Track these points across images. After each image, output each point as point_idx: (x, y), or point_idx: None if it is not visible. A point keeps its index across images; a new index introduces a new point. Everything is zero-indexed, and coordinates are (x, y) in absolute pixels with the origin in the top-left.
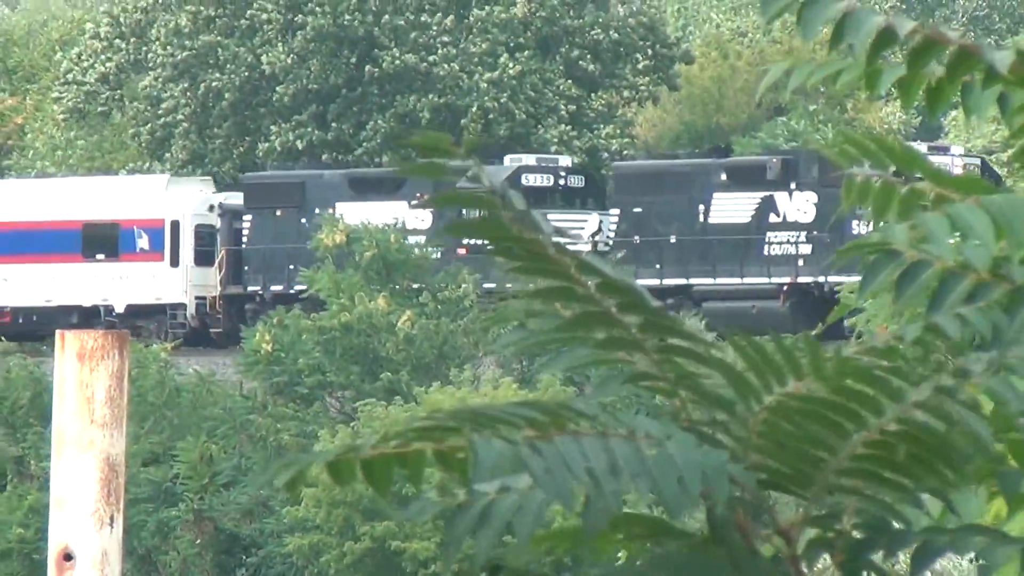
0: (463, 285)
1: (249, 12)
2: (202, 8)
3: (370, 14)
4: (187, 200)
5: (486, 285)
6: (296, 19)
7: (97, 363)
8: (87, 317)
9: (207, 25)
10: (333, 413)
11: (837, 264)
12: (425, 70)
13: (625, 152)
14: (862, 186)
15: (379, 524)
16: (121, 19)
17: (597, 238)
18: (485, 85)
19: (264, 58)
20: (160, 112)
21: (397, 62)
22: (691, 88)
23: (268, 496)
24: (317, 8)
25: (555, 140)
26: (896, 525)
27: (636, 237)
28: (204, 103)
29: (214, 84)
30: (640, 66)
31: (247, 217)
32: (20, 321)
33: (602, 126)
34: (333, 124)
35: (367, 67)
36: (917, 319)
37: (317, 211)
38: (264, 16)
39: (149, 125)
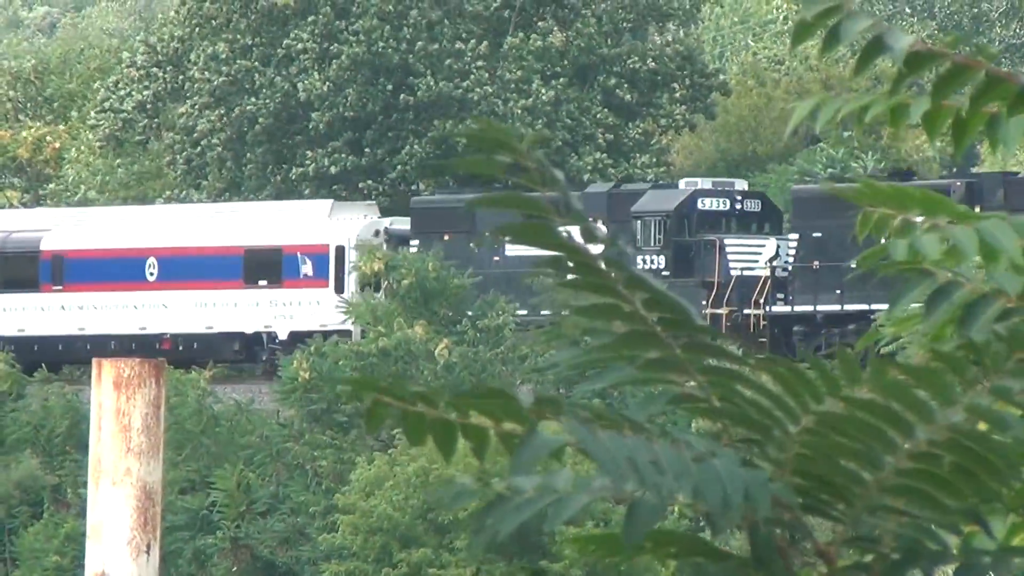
0: (503, 314)
1: (285, 41)
2: (239, 37)
3: (404, 42)
4: (351, 225)
5: (519, 312)
6: (332, 48)
7: (134, 391)
8: (249, 344)
9: (244, 53)
10: (370, 440)
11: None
12: (460, 96)
13: (660, 180)
14: (879, 219)
15: (416, 551)
16: (158, 48)
17: (775, 263)
18: (520, 111)
19: (300, 85)
20: (195, 136)
21: (432, 89)
22: (727, 116)
23: (304, 524)
24: (351, 38)
25: (589, 168)
26: (932, 547)
27: (816, 262)
28: (239, 129)
29: (248, 108)
30: (677, 95)
31: (414, 242)
32: (180, 348)
33: (638, 155)
34: (367, 150)
35: (402, 95)
36: (946, 341)
37: (487, 234)
38: (300, 45)
39: (185, 153)
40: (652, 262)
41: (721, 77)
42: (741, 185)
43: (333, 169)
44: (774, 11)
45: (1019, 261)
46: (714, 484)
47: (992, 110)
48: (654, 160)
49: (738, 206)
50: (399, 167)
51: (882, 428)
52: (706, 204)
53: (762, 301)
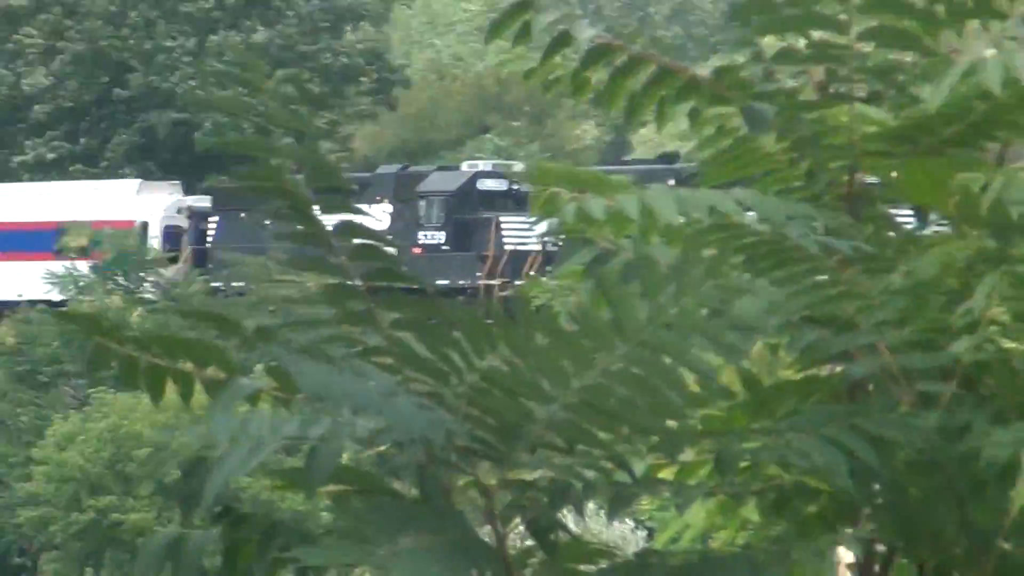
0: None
1: (15, 36)
2: None
3: (124, 40)
4: (157, 203)
5: (213, 284)
6: (58, 44)
7: None
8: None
9: None
10: (68, 399)
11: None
12: (168, 89)
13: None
14: (550, 197)
15: (103, 498)
16: None
17: (547, 239)
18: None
19: (25, 80)
20: None
21: (143, 83)
22: (409, 108)
23: (5, 473)
24: (76, 34)
25: None
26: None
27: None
28: None
29: None
30: (364, 88)
31: (214, 219)
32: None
33: (323, 142)
34: (82, 140)
35: (115, 88)
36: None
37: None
38: (28, 41)
39: None
40: (434, 238)
41: (405, 72)
42: (519, 167)
43: (50, 156)
44: (460, 12)
45: (677, 228)
46: (402, 420)
47: (662, 93)
48: (337, 147)
49: (515, 187)
50: (110, 156)
51: (545, 375)
52: (486, 184)
53: (532, 273)
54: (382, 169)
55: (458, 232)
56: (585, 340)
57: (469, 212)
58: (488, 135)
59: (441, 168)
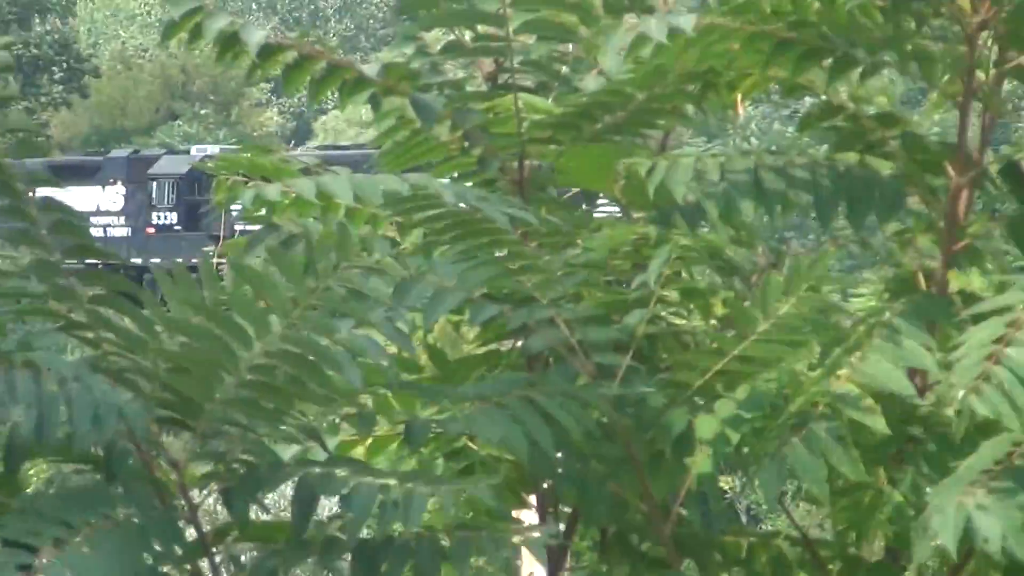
0: None
1: None
2: None
3: None
4: None
5: None
6: None
7: None
8: None
9: None
10: None
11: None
12: None
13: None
14: (232, 185)
15: None
16: None
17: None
18: None
19: None
20: None
21: None
22: (100, 96)
23: None
24: None
25: None
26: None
27: None
28: None
29: None
30: (56, 77)
31: None
32: None
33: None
34: None
35: None
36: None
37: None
38: None
39: None
40: (167, 218)
41: (94, 62)
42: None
43: None
44: (141, 6)
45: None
46: (78, 405)
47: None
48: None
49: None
50: None
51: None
52: None
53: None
54: (114, 153)
55: (189, 213)
56: (243, 319)
57: (199, 194)
58: (177, 122)
59: (170, 152)
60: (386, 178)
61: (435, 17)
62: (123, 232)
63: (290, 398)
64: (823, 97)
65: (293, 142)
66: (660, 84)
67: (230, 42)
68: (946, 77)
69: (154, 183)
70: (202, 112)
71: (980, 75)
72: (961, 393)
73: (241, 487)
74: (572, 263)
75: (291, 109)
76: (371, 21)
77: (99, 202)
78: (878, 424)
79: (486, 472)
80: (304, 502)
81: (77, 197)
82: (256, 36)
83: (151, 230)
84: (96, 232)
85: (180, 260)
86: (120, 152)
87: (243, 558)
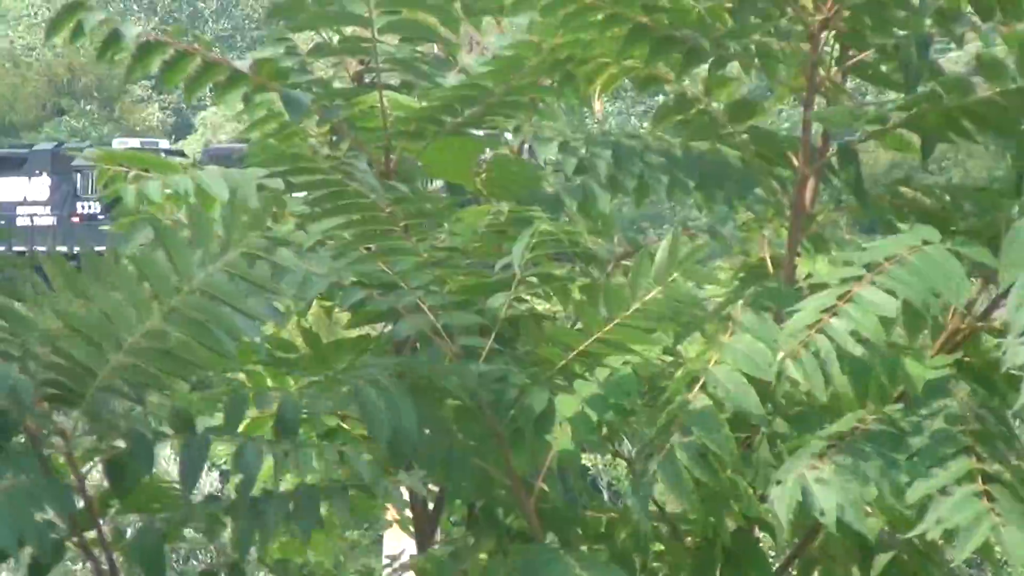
0: None
1: None
2: None
3: None
4: None
5: None
6: None
7: None
8: None
9: None
10: None
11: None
12: None
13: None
14: (114, 176)
15: None
16: None
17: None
18: None
19: None
20: None
21: None
22: None
23: None
24: None
25: None
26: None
27: None
28: None
29: None
30: None
31: None
32: None
33: None
34: None
35: None
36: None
37: None
38: None
39: None
40: (92, 208)
41: None
42: (165, 144)
43: None
44: (28, 7)
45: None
46: None
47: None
48: None
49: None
50: None
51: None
52: None
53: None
54: (39, 146)
55: (112, 203)
56: (147, 285)
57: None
58: (64, 117)
59: (92, 146)
60: (261, 173)
61: (305, 19)
62: (50, 221)
63: (181, 364)
64: (677, 90)
65: (174, 136)
66: (516, 76)
67: (111, 39)
68: (790, 72)
69: (79, 174)
70: (87, 108)
71: (823, 71)
72: (780, 356)
73: (124, 455)
74: (438, 247)
75: (171, 105)
76: (247, 22)
77: (26, 193)
78: (751, 403)
79: (360, 450)
80: (193, 461)
81: (4, 187)
82: (133, 32)
83: (76, 219)
84: (24, 221)
85: (103, 248)
86: (45, 145)
87: (128, 531)
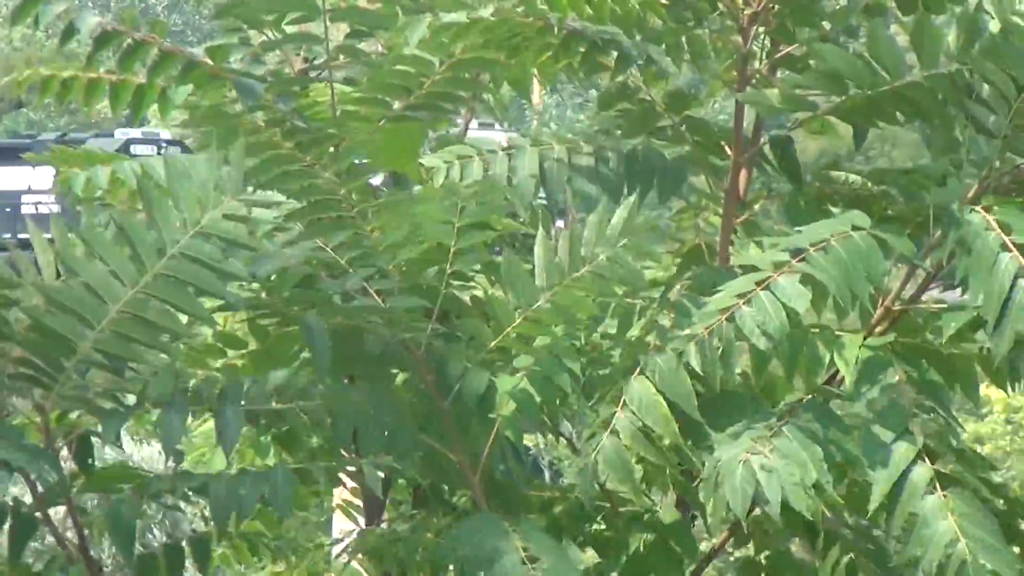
0: None
1: None
2: None
3: None
4: None
5: None
6: None
7: None
8: None
9: None
10: None
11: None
12: None
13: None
14: (68, 175)
15: None
16: None
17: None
18: None
19: None
20: None
21: None
22: None
23: None
24: None
25: None
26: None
27: None
28: None
29: None
30: None
31: None
32: None
33: None
34: None
35: None
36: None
37: None
38: None
39: None
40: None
41: None
42: (166, 135)
43: None
44: None
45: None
46: None
47: (164, 84)
48: None
49: (162, 151)
50: None
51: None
52: (137, 150)
53: None
54: (43, 136)
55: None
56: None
57: None
58: (24, 109)
59: (97, 135)
60: (205, 158)
61: (256, 6)
62: (55, 208)
63: (156, 331)
64: (619, 78)
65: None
66: (461, 51)
67: (71, 30)
68: (723, 65)
69: None
70: (46, 101)
71: (754, 65)
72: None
73: (89, 434)
74: (389, 237)
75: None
76: (198, 18)
77: (31, 181)
78: (683, 394)
79: (307, 434)
80: (172, 425)
81: (9, 176)
82: (92, 21)
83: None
84: (29, 209)
85: None
86: (48, 135)
87: (89, 506)
